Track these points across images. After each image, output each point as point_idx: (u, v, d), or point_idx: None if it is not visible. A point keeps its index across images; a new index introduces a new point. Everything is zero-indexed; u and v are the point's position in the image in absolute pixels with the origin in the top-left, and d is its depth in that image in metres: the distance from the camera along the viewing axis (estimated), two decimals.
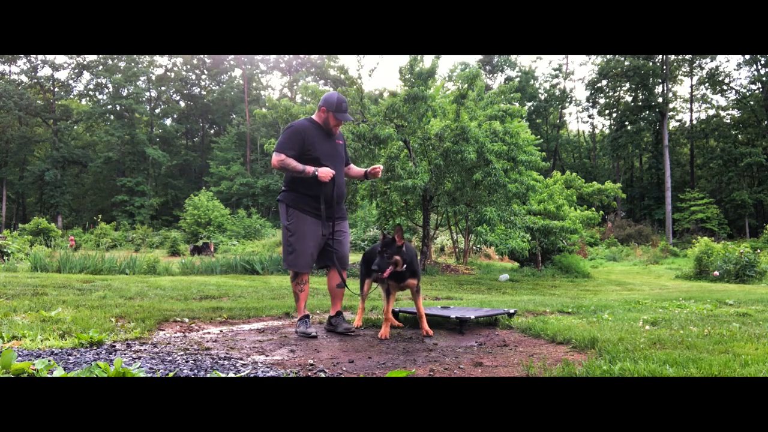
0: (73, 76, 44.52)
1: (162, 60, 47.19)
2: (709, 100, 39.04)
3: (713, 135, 36.75)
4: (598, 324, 3.86)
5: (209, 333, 3.71)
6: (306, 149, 3.73)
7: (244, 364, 2.68)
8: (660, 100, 36.56)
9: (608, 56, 37.88)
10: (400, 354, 3.08)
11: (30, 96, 40.75)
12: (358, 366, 2.75)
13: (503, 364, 2.81)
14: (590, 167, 42.72)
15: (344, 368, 2.68)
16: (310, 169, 3.68)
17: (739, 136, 36.74)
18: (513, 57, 44.24)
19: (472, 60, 38.36)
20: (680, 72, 38.95)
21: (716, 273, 12.07)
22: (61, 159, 40.52)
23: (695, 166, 39.17)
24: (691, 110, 40.05)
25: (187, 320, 4.20)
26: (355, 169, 4.13)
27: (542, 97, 44.91)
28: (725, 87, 37.42)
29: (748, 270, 11.71)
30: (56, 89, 44.33)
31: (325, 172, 3.68)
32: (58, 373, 2.14)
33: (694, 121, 39.70)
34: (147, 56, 43.34)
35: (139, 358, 2.76)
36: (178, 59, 48.01)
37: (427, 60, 11.21)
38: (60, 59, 43.10)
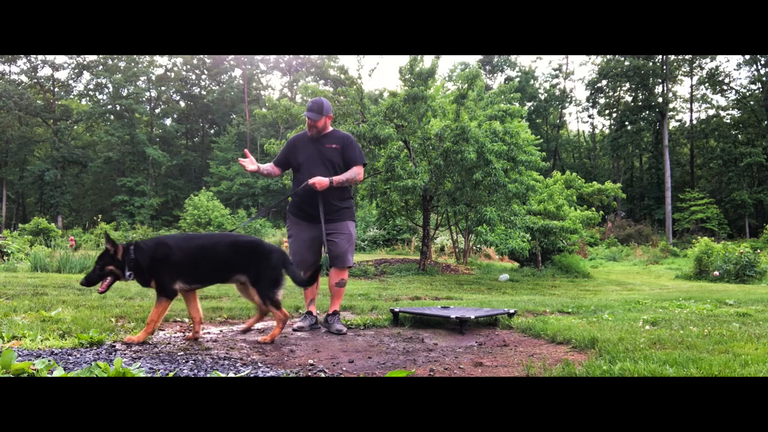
0: (73, 76, 44.49)
1: (162, 60, 47.18)
2: (709, 100, 39.04)
3: (713, 135, 36.73)
4: (598, 324, 3.86)
5: (209, 333, 3.72)
6: (292, 157, 4.13)
7: (244, 364, 2.68)
8: (660, 100, 36.54)
9: (608, 56, 37.86)
10: (400, 354, 3.08)
11: (30, 96, 40.67)
12: (358, 366, 2.75)
13: (503, 364, 2.81)
14: (590, 167, 42.69)
15: (344, 368, 2.68)
16: (260, 167, 4.11)
17: (739, 136, 36.70)
18: (513, 57, 44.22)
19: (472, 60, 38.32)
20: (680, 72, 38.92)
21: (716, 273, 12.06)
22: (61, 159, 40.49)
23: (695, 166, 39.15)
24: (691, 110, 40.06)
25: (187, 320, 4.20)
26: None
27: (542, 97, 44.87)
28: (725, 87, 37.40)
29: (748, 270, 11.70)
30: (56, 89, 44.29)
31: (242, 164, 3.98)
32: (58, 373, 2.14)
33: (694, 121, 39.69)
34: (147, 56, 43.31)
35: (139, 358, 2.76)
36: (178, 59, 47.98)
37: (427, 60, 11.20)
38: (60, 59, 43.08)
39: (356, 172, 4.03)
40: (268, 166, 4.24)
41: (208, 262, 3.30)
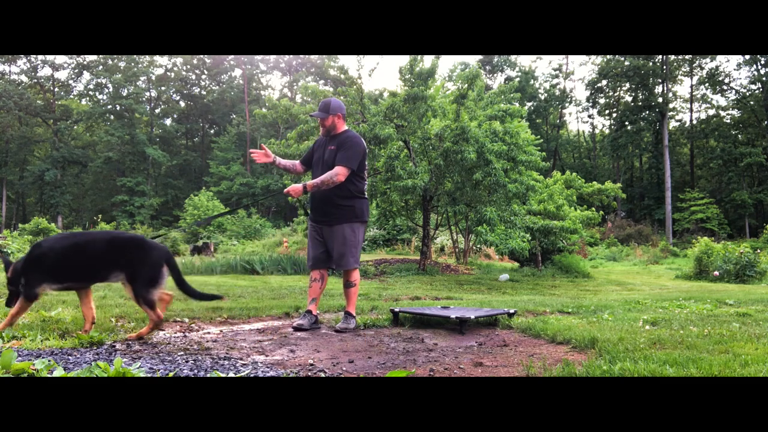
0: (73, 76, 44.48)
1: (162, 60, 47.17)
2: (709, 100, 39.03)
3: (713, 135, 36.72)
4: (598, 324, 3.86)
5: (209, 333, 3.72)
6: (311, 158, 4.17)
7: (244, 364, 2.68)
8: (660, 100, 36.52)
9: (608, 56, 37.86)
10: (400, 354, 3.08)
11: (30, 96, 40.67)
12: (358, 366, 2.75)
13: (503, 364, 2.81)
14: (590, 167, 42.68)
15: (344, 368, 2.68)
16: (279, 160, 4.17)
17: (739, 136, 36.70)
18: (513, 57, 44.22)
19: (472, 60, 38.31)
20: (680, 72, 38.91)
21: (716, 273, 12.06)
22: (61, 159, 40.49)
23: (695, 166, 39.14)
24: (691, 110, 40.05)
25: (187, 320, 4.20)
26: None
27: (542, 97, 44.87)
28: (725, 87, 37.40)
29: (748, 270, 11.69)
30: (56, 89, 44.29)
31: (254, 156, 4.09)
32: (58, 373, 2.14)
33: (694, 121, 39.68)
34: (147, 56, 43.32)
35: (139, 358, 2.76)
36: (178, 59, 47.97)
37: (427, 60, 11.20)
38: (60, 59, 43.08)
39: (333, 173, 3.81)
40: (289, 163, 4.21)
41: (82, 260, 3.15)
